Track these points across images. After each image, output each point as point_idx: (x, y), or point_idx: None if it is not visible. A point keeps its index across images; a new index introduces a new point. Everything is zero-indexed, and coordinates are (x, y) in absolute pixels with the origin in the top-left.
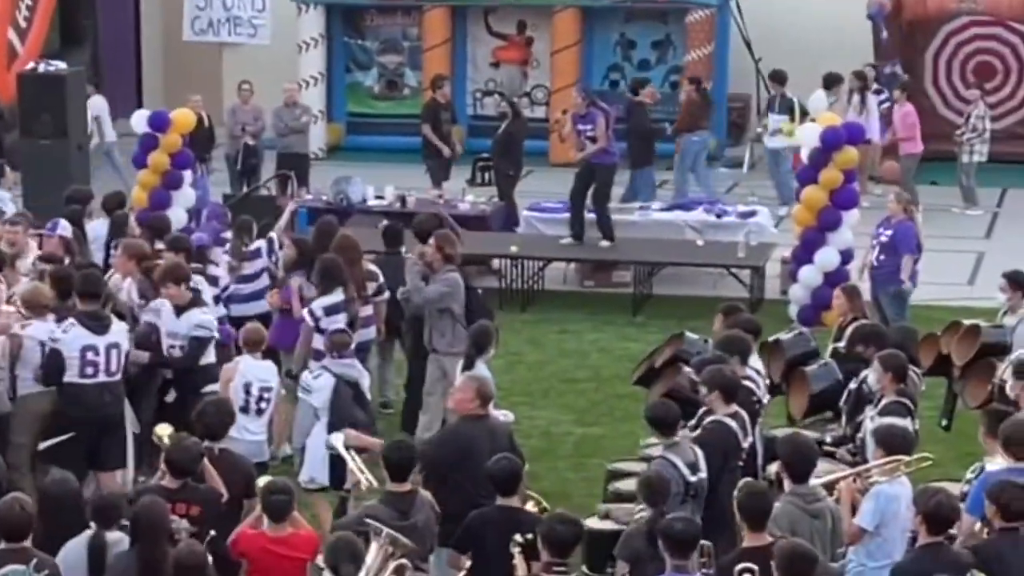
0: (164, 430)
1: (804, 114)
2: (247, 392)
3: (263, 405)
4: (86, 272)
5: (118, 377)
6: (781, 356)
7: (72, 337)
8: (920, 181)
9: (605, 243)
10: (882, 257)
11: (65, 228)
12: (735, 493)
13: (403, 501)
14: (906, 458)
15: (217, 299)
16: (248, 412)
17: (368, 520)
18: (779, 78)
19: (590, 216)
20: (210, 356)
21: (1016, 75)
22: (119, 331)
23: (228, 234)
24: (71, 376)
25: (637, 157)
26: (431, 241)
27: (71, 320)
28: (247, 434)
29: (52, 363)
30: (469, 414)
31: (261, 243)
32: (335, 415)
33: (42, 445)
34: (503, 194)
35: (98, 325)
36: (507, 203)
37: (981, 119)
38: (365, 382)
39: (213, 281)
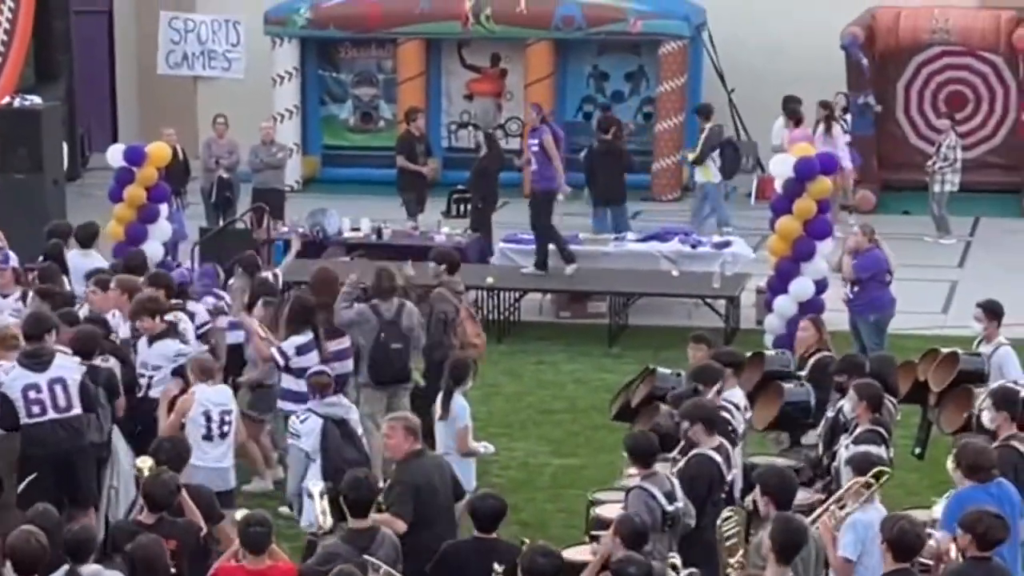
0: (145, 463)
1: (722, 148)
2: (208, 419)
3: (225, 429)
4: (32, 314)
5: (73, 412)
6: (759, 368)
7: (12, 379)
8: (893, 211)
9: (570, 268)
10: (856, 288)
11: (15, 260)
12: (771, 526)
13: (363, 538)
14: (863, 479)
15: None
16: (212, 439)
17: (367, 558)
18: (704, 112)
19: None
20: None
21: (987, 104)
22: (63, 365)
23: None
24: (22, 418)
25: (614, 194)
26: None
27: (12, 363)
28: (212, 462)
29: (3, 408)
30: (409, 454)
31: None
32: (327, 457)
33: (20, 488)
34: (477, 225)
35: (37, 363)
36: (482, 234)
37: (952, 148)
38: (354, 415)
39: (191, 317)
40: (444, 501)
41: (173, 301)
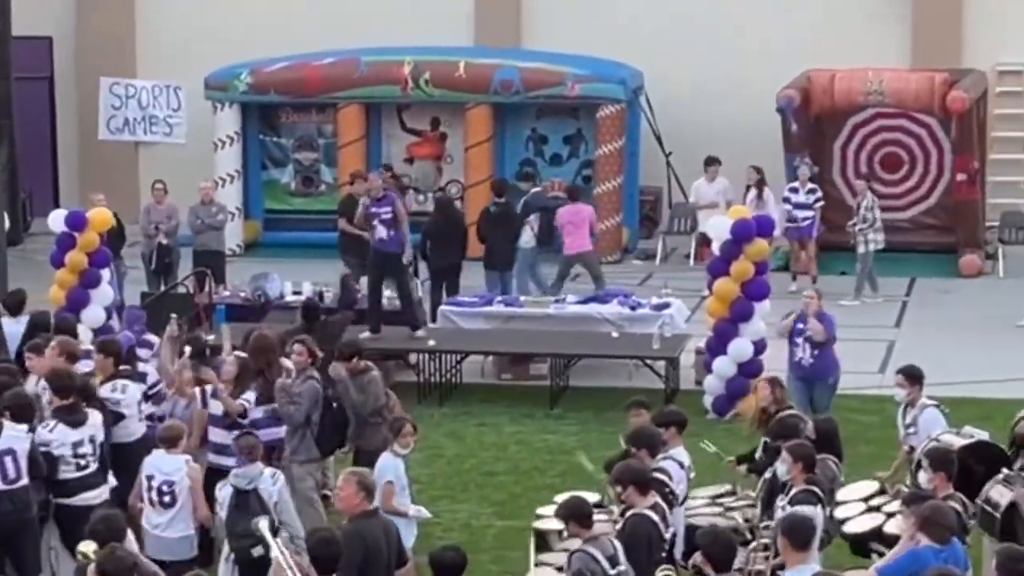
0: (88, 546)
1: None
2: (149, 485)
3: (166, 499)
4: None
5: (20, 483)
6: None
7: None
8: (830, 271)
9: (419, 333)
10: (816, 352)
11: None
12: None
13: None
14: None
15: (146, 396)
16: (154, 505)
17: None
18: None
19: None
20: (60, 473)
21: (922, 165)
22: (12, 436)
23: (150, 336)
24: None
25: (509, 258)
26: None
27: None
28: (156, 530)
29: None
30: (360, 512)
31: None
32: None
33: None
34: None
35: None
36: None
37: (870, 209)
38: (264, 484)
39: (141, 377)
40: (387, 565)
41: (122, 368)
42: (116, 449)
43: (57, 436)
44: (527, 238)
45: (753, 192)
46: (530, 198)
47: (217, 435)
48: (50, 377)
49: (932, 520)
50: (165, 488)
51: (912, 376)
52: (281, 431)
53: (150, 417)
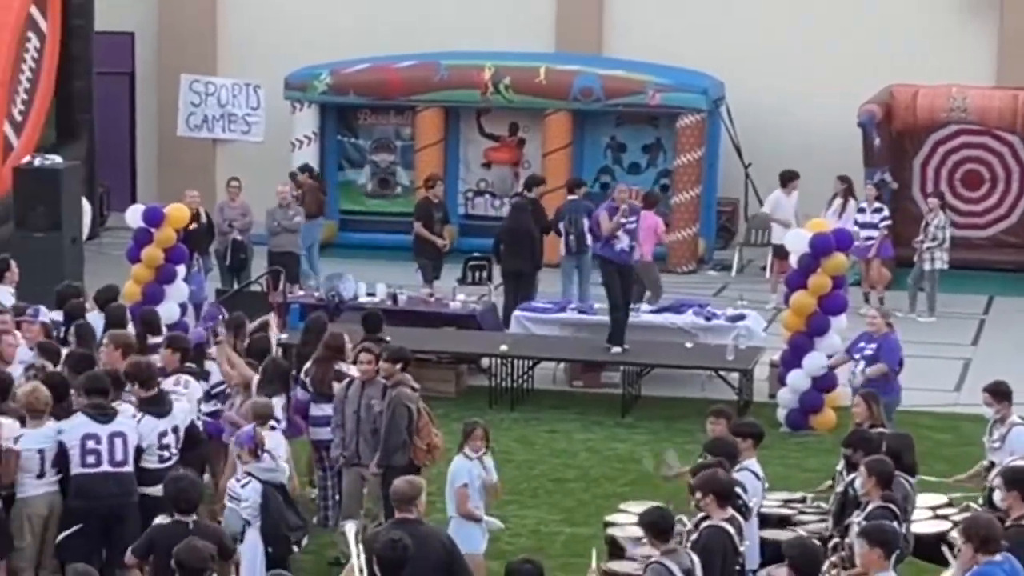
0: None
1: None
2: None
3: None
4: (91, 374)
5: (126, 468)
6: None
7: (72, 427)
8: (905, 287)
9: (614, 350)
10: (868, 373)
11: (46, 315)
12: None
13: None
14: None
15: (208, 394)
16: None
17: None
18: (570, 184)
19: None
20: (145, 463)
21: (1003, 183)
22: (125, 423)
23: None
24: (74, 467)
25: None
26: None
27: (76, 412)
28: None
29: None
30: (400, 520)
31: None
32: (268, 522)
33: (58, 539)
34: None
35: (101, 415)
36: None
37: (941, 228)
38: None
39: (205, 376)
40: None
41: (188, 364)
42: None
43: (144, 427)
44: (561, 246)
45: (839, 202)
46: (565, 205)
47: (315, 409)
48: (131, 371)
49: (984, 536)
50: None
51: (998, 393)
52: (325, 431)
53: (211, 415)
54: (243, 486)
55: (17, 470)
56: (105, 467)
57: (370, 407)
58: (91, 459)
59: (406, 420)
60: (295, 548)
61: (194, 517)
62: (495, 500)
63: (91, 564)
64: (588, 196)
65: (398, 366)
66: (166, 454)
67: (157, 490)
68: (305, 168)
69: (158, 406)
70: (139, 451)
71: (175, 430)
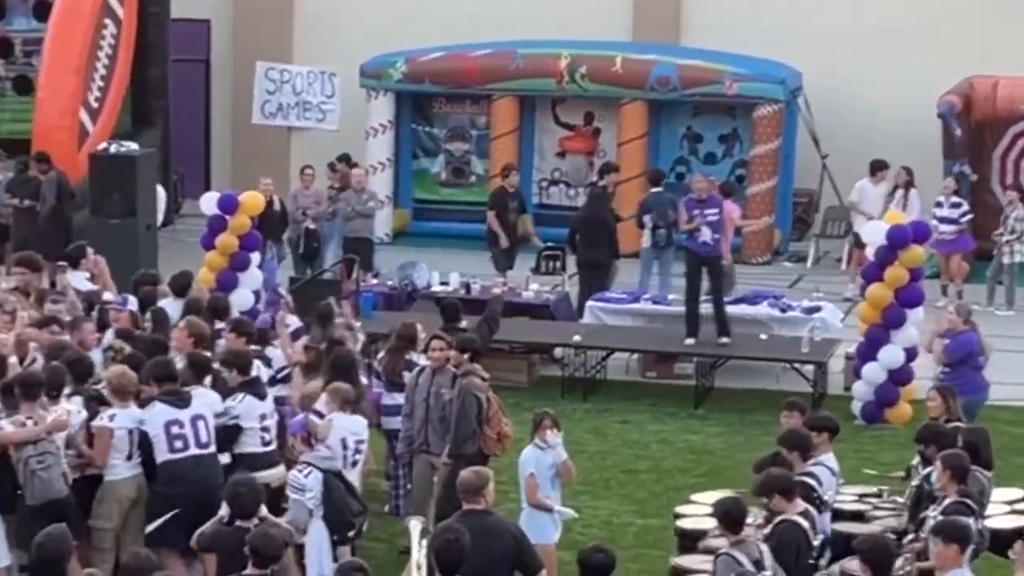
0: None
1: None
2: (344, 447)
3: (357, 457)
4: (158, 360)
5: (211, 450)
6: None
7: (153, 415)
8: (984, 280)
9: (723, 340)
10: (947, 370)
11: (134, 304)
12: None
13: None
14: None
15: (272, 380)
16: (345, 466)
17: None
18: (651, 177)
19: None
20: (246, 446)
21: None
22: (203, 404)
23: (291, 319)
24: (161, 454)
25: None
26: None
27: (153, 401)
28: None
29: (144, 445)
30: (468, 511)
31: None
32: (332, 510)
33: (148, 528)
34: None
35: (179, 400)
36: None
37: (1020, 221)
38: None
39: (268, 362)
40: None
41: (253, 348)
42: (229, 429)
43: (244, 408)
44: (645, 238)
45: (900, 193)
46: (648, 197)
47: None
48: (228, 358)
49: None
50: (360, 448)
51: None
52: (397, 421)
53: (277, 400)
54: (306, 476)
55: (110, 449)
56: (192, 450)
57: (439, 395)
58: (178, 444)
59: (475, 409)
60: (356, 534)
61: (255, 521)
62: (570, 481)
63: (183, 552)
64: (666, 187)
65: (466, 355)
66: (267, 436)
67: (267, 475)
68: (343, 158)
69: (257, 388)
70: (238, 431)
71: (272, 414)
